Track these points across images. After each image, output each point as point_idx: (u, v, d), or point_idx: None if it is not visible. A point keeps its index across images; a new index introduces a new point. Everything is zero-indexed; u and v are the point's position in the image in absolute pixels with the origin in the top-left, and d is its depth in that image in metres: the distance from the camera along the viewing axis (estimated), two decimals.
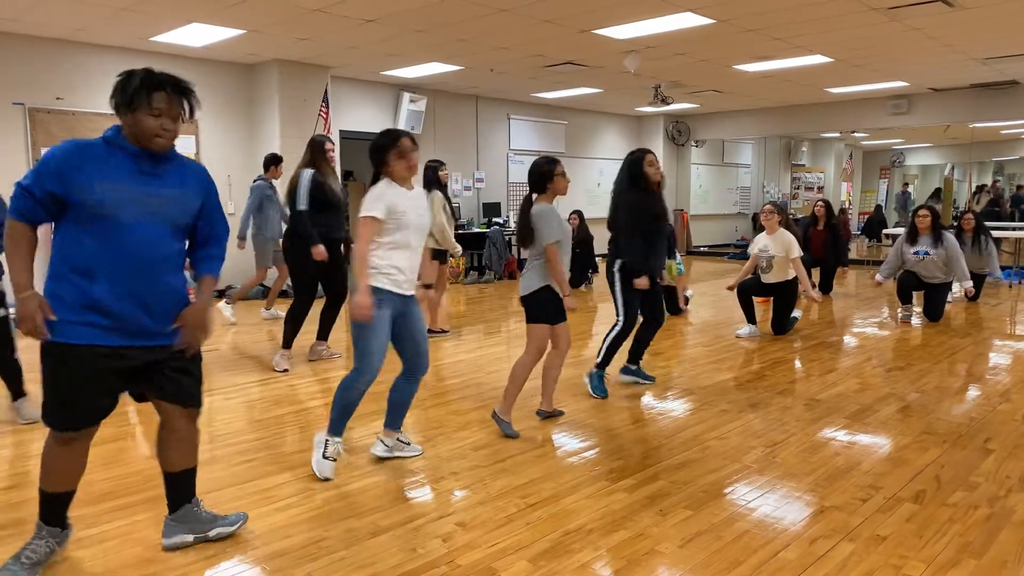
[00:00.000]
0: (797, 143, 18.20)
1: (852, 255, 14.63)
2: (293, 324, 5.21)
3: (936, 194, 17.00)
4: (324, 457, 3.24)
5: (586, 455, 3.56)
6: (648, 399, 4.53)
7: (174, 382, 2.44)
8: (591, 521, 2.81)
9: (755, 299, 6.57)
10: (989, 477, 3.24)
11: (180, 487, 2.59)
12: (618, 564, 2.49)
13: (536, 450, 3.62)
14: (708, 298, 8.89)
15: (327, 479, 3.22)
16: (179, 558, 2.54)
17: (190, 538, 2.58)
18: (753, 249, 6.39)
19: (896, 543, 2.63)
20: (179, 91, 2.33)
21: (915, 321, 7.12)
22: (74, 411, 2.31)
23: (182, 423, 2.52)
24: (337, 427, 3.26)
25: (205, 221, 2.51)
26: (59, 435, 2.34)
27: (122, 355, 2.30)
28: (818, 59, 8.74)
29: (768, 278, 6.29)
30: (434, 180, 6.19)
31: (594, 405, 4.39)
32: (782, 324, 6.43)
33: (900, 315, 7.20)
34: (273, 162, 7.28)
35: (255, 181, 7.19)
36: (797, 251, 6.11)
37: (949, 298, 8.35)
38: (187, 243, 2.51)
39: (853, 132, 15.42)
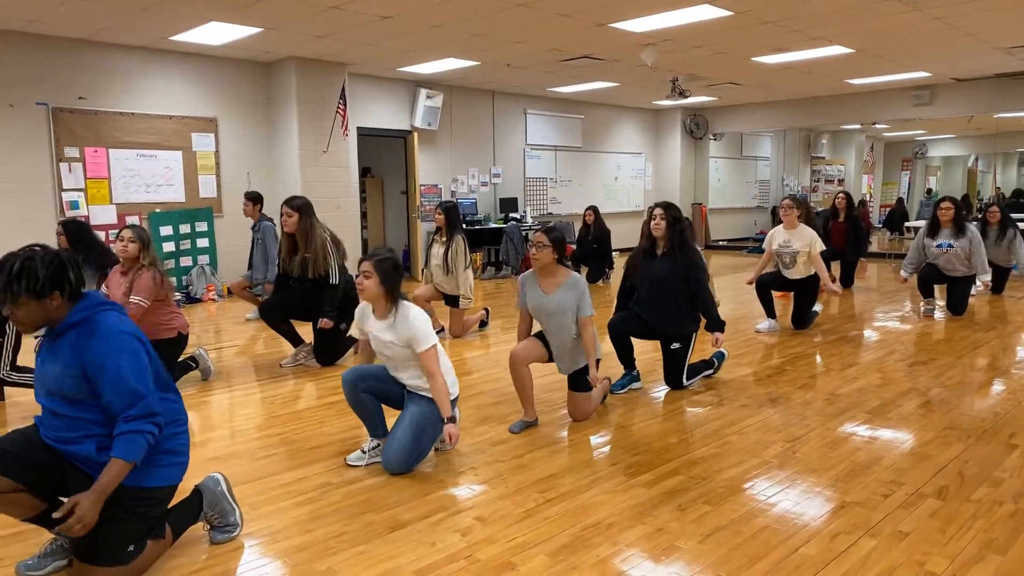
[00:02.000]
0: (817, 135, 18.00)
1: (873, 248, 14.49)
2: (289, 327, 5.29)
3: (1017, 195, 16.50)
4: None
5: (604, 450, 3.56)
6: (666, 394, 4.52)
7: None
8: (610, 516, 2.81)
9: (774, 294, 6.52)
10: (1014, 473, 3.19)
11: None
12: (637, 559, 2.49)
13: (554, 445, 3.63)
14: (727, 293, 8.83)
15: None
16: (202, 551, 2.57)
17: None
18: (772, 244, 6.30)
19: (919, 539, 2.60)
20: None
21: (938, 315, 7.03)
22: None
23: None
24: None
25: (102, 393, 2.24)
26: None
27: (56, 454, 2.32)
28: (837, 50, 8.63)
29: (792, 274, 6.21)
30: (456, 223, 6.12)
31: (612, 400, 4.38)
32: (803, 319, 6.37)
33: (922, 309, 7.10)
34: (253, 201, 7.28)
35: (268, 220, 7.14)
36: (820, 246, 6.05)
37: (973, 292, 8.23)
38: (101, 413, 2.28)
39: (874, 124, 15.22)
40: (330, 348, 5.30)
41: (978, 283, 8.43)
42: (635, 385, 4.59)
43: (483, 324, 6.65)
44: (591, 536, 2.65)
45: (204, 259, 8.63)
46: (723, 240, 15.51)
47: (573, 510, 2.87)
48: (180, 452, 2.44)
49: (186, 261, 8.51)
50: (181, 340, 4.65)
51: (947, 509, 2.85)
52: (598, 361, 3.87)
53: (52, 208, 7.56)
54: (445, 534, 2.69)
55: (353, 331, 3.47)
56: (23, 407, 4.35)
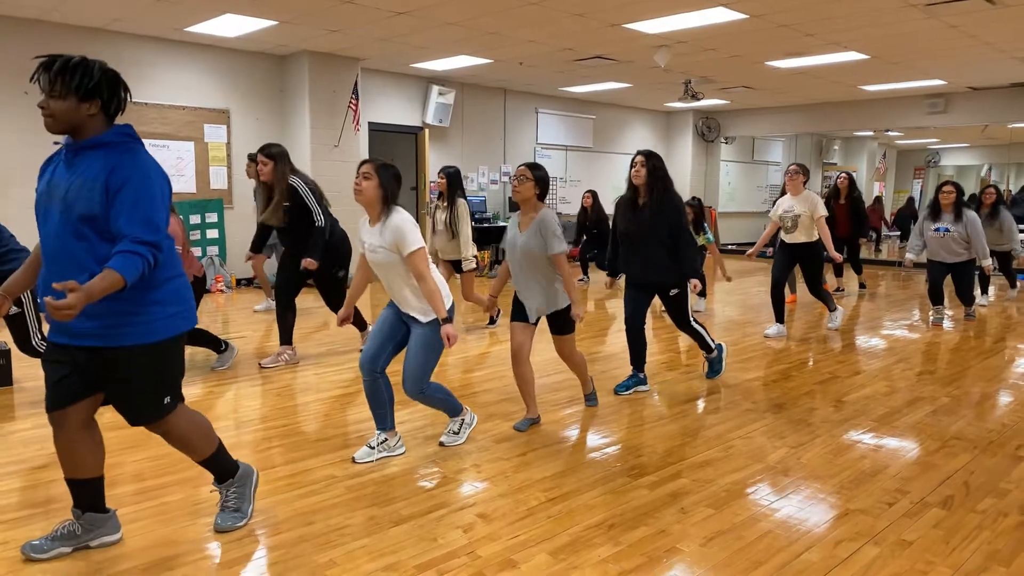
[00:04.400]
0: (829, 141, 17.92)
1: (883, 255, 14.44)
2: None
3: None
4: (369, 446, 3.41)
5: (608, 451, 3.56)
6: (672, 397, 4.51)
7: (114, 396, 2.39)
8: (612, 516, 2.81)
9: (786, 297, 6.50)
10: (1020, 484, 3.17)
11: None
12: (638, 560, 2.48)
13: (558, 444, 3.62)
14: (735, 297, 8.81)
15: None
16: (204, 540, 2.58)
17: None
18: (776, 212, 6.30)
19: (922, 548, 2.59)
20: (46, 67, 2.19)
21: (947, 324, 7.00)
22: (47, 392, 2.37)
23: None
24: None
25: (114, 213, 2.17)
26: (48, 416, 2.39)
27: (61, 350, 2.31)
28: (852, 56, 8.59)
29: (792, 238, 6.21)
30: (458, 187, 6.16)
31: (616, 401, 4.38)
32: (816, 288, 6.38)
33: (931, 318, 7.07)
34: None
35: None
36: (823, 210, 6.11)
37: (984, 302, 8.19)
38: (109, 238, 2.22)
39: (887, 131, 15.14)
40: (336, 295, 5.29)
41: (990, 294, 8.40)
42: (641, 388, 4.58)
43: (492, 321, 6.65)
44: (593, 536, 2.65)
45: (214, 250, 8.67)
46: (732, 244, 15.46)
47: (575, 510, 2.87)
48: (178, 300, 2.38)
49: (195, 252, 8.54)
50: (197, 283, 4.60)
51: (952, 519, 2.83)
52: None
53: None
54: (447, 530, 2.69)
55: (360, 246, 3.42)
56: (31, 392, 4.38)
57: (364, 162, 3.22)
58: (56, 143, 2.35)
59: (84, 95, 2.19)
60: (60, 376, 2.32)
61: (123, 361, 2.28)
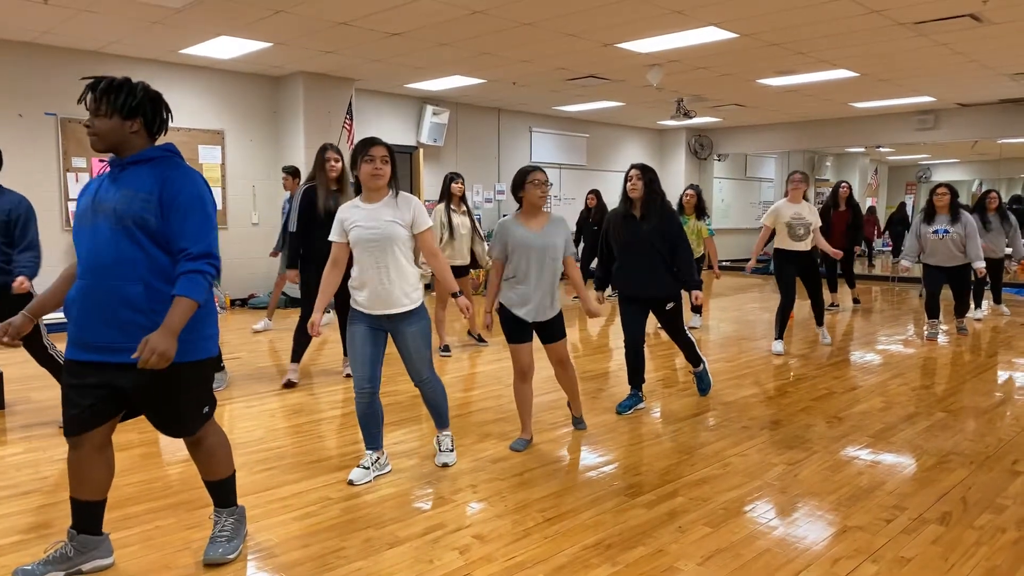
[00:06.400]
0: (821, 157, 18.05)
1: (876, 271, 14.50)
2: (297, 339, 5.14)
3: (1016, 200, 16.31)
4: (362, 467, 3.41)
5: (605, 470, 3.54)
6: (668, 415, 4.50)
7: (162, 411, 2.42)
8: (609, 536, 2.79)
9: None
10: (1017, 500, 3.17)
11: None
12: None
13: (554, 464, 3.61)
14: (730, 313, 8.82)
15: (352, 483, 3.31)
16: (197, 566, 2.55)
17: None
18: (780, 218, 6.30)
19: (921, 565, 2.58)
20: (92, 88, 2.30)
21: (941, 339, 7.01)
22: (65, 417, 2.38)
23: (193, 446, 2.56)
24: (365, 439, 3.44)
25: (169, 228, 2.25)
26: (67, 439, 2.41)
27: (93, 370, 2.31)
28: (843, 73, 8.68)
29: (802, 245, 6.28)
30: (445, 192, 6.22)
31: (613, 420, 4.37)
32: (818, 297, 6.48)
33: (926, 332, 7.08)
34: (292, 174, 7.35)
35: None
36: (819, 222, 6.34)
37: (979, 315, 8.21)
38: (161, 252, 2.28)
39: (878, 147, 15.27)
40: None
41: (984, 307, 8.42)
42: (639, 406, 4.57)
43: (481, 339, 6.65)
44: (590, 556, 2.63)
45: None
46: (726, 260, 15.48)
47: (572, 530, 2.85)
48: (215, 311, 2.47)
49: None
50: None
51: (950, 535, 2.82)
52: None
53: (58, 218, 7.59)
54: (443, 552, 2.67)
55: (334, 236, 3.31)
56: (23, 416, 4.35)
57: (375, 145, 3.19)
58: (102, 160, 2.42)
59: (127, 114, 2.29)
60: (91, 401, 2.33)
61: (184, 375, 2.33)
